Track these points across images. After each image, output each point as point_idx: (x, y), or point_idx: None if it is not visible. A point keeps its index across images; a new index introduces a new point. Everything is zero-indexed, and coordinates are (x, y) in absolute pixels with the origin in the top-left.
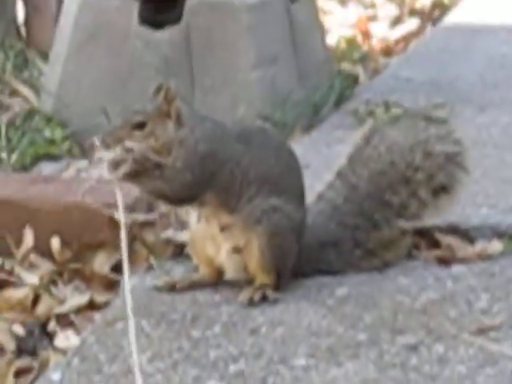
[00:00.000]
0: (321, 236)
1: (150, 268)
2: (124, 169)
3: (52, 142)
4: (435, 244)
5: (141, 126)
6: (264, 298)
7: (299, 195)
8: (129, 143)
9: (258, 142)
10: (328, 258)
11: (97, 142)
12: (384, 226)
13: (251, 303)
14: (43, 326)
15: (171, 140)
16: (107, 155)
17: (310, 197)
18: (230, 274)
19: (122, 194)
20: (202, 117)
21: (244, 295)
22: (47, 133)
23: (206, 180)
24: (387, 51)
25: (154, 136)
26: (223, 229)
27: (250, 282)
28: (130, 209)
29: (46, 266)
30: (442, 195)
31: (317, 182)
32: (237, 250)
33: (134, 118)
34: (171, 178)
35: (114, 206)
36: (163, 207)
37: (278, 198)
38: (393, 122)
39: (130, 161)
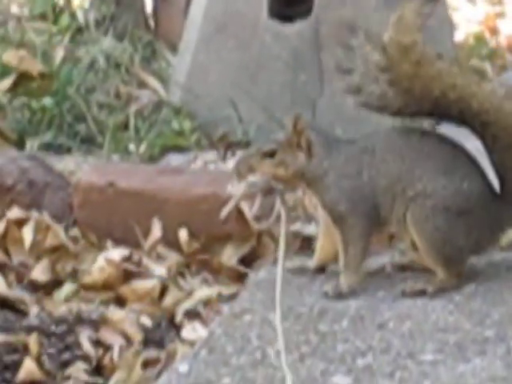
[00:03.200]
0: None
1: (277, 261)
2: (257, 205)
3: (180, 133)
4: None
5: (272, 154)
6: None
7: (445, 171)
8: (252, 177)
9: (380, 146)
10: None
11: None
12: None
13: (404, 294)
14: (171, 317)
15: (302, 170)
16: (236, 190)
17: None
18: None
19: None
20: (336, 145)
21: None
22: (175, 124)
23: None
24: None
25: (284, 165)
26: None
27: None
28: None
29: (173, 258)
30: None
31: None
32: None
33: (266, 146)
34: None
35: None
36: (291, 200)
37: (412, 187)
38: None
39: (259, 197)
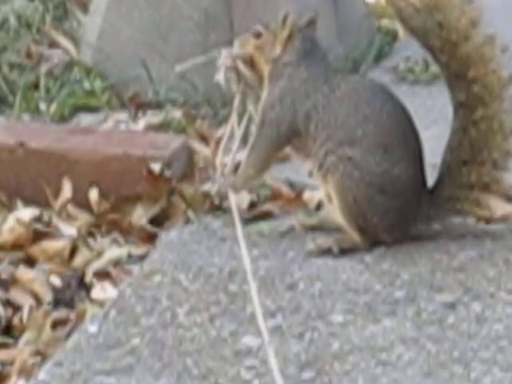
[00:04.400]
0: None
1: (187, 221)
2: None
3: (91, 93)
4: (475, 203)
5: (258, 36)
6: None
7: (386, 148)
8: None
9: (346, 89)
10: None
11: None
12: None
13: (311, 253)
14: (80, 277)
15: (270, 60)
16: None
17: None
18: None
19: (161, 147)
20: (311, 61)
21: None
22: (86, 84)
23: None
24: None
25: (261, 49)
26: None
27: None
28: (168, 161)
29: (83, 218)
30: None
31: None
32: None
33: (257, 28)
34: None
35: (152, 158)
36: (201, 161)
37: (350, 147)
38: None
39: (224, 66)
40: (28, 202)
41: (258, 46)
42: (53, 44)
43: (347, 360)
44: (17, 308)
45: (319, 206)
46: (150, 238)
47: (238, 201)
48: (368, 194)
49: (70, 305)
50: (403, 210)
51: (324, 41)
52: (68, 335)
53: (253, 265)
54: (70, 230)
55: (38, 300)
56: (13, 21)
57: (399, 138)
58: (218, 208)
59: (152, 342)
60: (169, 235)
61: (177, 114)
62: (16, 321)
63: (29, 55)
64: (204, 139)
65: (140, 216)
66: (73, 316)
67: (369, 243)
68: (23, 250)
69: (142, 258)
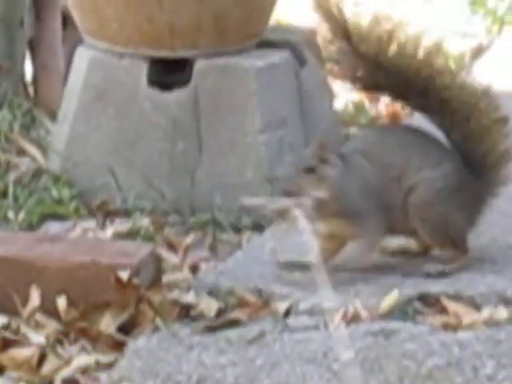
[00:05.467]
0: None
1: (156, 329)
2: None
3: (59, 201)
4: (442, 310)
5: (310, 170)
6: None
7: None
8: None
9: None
10: None
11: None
12: None
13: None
14: None
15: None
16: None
17: None
18: None
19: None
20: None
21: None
22: (54, 192)
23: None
24: (395, 116)
25: (323, 180)
26: None
27: None
28: (136, 269)
29: (52, 326)
30: None
31: None
32: None
33: (304, 163)
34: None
35: (120, 266)
36: (170, 269)
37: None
38: None
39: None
40: None
41: (319, 180)
42: (21, 152)
43: None
44: None
45: (287, 314)
46: (118, 346)
47: (205, 308)
48: (440, 198)
49: None
50: (470, 197)
51: (291, 148)
52: None
53: (221, 372)
54: (38, 338)
55: None
56: None
57: (426, 143)
58: (186, 315)
59: None
60: (137, 343)
61: (145, 221)
62: None
63: None
64: (172, 247)
65: (108, 324)
66: None
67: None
68: None
69: (110, 365)
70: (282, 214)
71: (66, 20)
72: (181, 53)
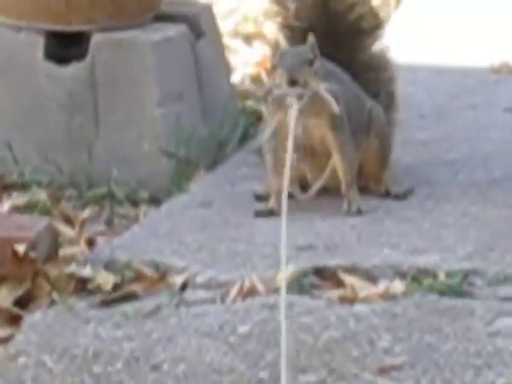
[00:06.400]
0: None
1: (52, 303)
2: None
3: None
4: (338, 283)
5: (311, 63)
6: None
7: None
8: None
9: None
10: None
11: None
12: None
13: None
14: None
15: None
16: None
17: None
18: None
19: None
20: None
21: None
22: None
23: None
24: None
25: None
26: None
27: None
28: (33, 242)
29: None
30: None
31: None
32: None
33: (305, 54)
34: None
35: (17, 239)
36: (67, 242)
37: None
38: None
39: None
40: None
41: (316, 71)
42: None
43: None
44: None
45: (184, 288)
46: (15, 320)
47: (101, 281)
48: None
49: None
50: None
51: (189, 122)
52: None
53: (117, 346)
54: None
55: None
56: None
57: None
58: (83, 289)
59: None
60: (33, 317)
61: (42, 195)
62: None
63: None
64: (69, 221)
65: (5, 297)
66: None
67: None
68: None
69: (6, 339)
70: (281, 102)
71: None
72: (77, 27)
